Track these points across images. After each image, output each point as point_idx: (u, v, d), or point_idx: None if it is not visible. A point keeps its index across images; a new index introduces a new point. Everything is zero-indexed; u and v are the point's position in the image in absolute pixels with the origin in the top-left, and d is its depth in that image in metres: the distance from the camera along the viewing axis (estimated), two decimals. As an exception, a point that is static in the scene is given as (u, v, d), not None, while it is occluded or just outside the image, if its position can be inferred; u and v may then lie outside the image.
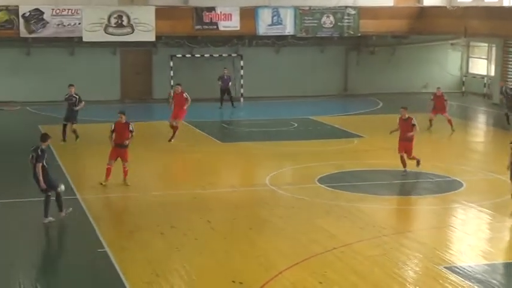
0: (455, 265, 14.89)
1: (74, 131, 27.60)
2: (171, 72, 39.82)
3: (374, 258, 15.18)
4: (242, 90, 40.85)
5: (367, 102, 40.01)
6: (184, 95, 28.82)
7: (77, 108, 27.73)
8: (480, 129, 33.98)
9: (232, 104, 37.92)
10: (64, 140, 27.54)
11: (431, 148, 27.51)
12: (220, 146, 28.05)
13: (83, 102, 27.98)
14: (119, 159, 21.61)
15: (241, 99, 40.72)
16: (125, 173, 21.58)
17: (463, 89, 43.36)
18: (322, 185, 21.36)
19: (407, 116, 22.76)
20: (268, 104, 39.50)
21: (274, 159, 25.38)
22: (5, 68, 38.22)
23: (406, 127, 22.56)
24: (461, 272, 14.46)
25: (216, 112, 36.48)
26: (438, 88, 32.42)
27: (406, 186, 21.89)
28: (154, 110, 38.73)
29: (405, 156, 22.46)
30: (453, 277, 14.18)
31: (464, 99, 41.59)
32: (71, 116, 27.86)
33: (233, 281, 13.88)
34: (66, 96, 28.25)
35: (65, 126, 27.62)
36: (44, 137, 18.46)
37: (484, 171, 23.55)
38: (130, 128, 21.88)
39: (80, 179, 21.99)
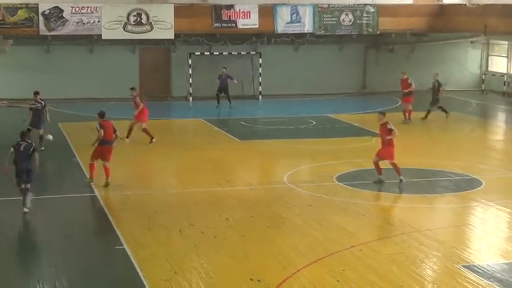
0: (474, 264, 14.81)
1: (41, 137, 25.34)
2: (190, 70, 39.89)
3: (392, 256, 15.13)
4: (260, 88, 40.85)
5: (385, 100, 39.89)
6: (136, 99, 28.05)
7: (34, 107, 25.92)
8: (500, 127, 33.79)
9: (230, 103, 37.29)
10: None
11: (450, 146, 27.40)
12: (238, 144, 28.05)
13: (46, 108, 26.30)
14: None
15: (260, 97, 40.73)
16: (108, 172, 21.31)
17: (483, 87, 43.16)
18: (340, 183, 21.32)
19: (384, 120, 22.04)
20: (286, 102, 39.48)
21: (292, 157, 25.36)
22: (24, 66, 38.43)
23: (384, 132, 21.95)
24: (480, 270, 14.38)
25: (234, 110, 36.49)
26: (403, 72, 33.63)
27: (425, 184, 21.79)
28: (172, 107, 38.81)
29: (388, 162, 21.48)
30: (472, 276, 14.10)
31: (484, 97, 41.41)
32: (38, 122, 25.82)
33: (251, 279, 13.87)
34: (32, 103, 26.27)
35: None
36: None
37: (503, 169, 23.43)
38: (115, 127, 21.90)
39: (98, 176, 22.03)
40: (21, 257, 15.25)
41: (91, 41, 39.53)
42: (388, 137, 21.64)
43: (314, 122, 32.43)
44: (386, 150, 21.69)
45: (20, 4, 37.54)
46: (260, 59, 40.91)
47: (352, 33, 41.42)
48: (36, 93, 26.44)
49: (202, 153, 26.37)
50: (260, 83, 40.85)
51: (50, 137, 22.60)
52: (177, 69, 40.82)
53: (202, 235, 16.50)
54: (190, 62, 39.94)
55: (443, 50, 43.48)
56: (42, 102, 26.35)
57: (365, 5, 41.03)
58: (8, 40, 37.88)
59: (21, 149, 18.44)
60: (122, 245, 15.72)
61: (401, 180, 21.23)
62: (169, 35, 39.10)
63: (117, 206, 18.91)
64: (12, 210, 18.56)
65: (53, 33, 38.04)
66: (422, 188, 21.16)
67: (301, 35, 41.41)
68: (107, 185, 20.96)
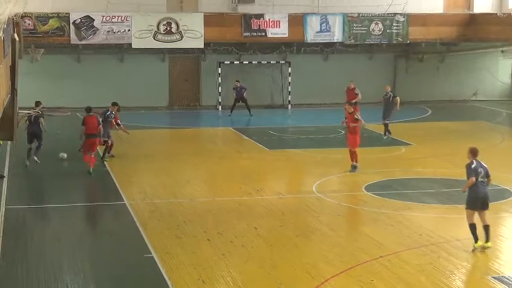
0: (503, 275, 14.68)
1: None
2: (219, 79, 40.00)
3: (421, 267, 15.04)
4: (290, 97, 40.87)
5: (415, 109, 39.74)
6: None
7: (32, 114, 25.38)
8: (531, 137, 33.50)
9: (249, 112, 37.59)
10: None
11: (480, 156, 27.17)
12: (267, 153, 28.06)
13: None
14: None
15: (289, 106, 40.74)
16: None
17: (514, 96, 42.90)
18: (370, 193, 21.24)
19: (351, 110, 24.36)
20: (315, 111, 39.47)
21: (321, 166, 25.31)
22: (55, 74, 38.75)
23: (351, 120, 24.14)
24: (510, 282, 14.25)
25: (263, 119, 36.51)
26: (351, 81, 34.22)
27: (455, 194, 21.62)
28: (202, 116, 38.90)
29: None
30: (502, 287, 13.99)
31: (515, 107, 41.12)
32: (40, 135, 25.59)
33: (279, 288, 13.86)
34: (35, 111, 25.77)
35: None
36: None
37: (534, 180, 23.21)
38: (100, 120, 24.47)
39: (128, 185, 22.15)
40: (50, 265, 15.34)
41: (121, 50, 39.79)
42: (353, 125, 23.92)
43: (343, 132, 32.33)
44: (350, 137, 24.10)
45: (52, 13, 37.88)
46: (289, 68, 40.94)
47: (382, 42, 41.33)
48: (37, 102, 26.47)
49: (231, 162, 26.39)
50: (289, 92, 40.88)
51: (65, 155, 25.12)
52: (206, 78, 40.96)
53: (231, 244, 16.51)
54: (219, 71, 40.05)
55: (473, 60, 43.25)
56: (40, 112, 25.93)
57: (395, 14, 40.93)
58: (40, 49, 38.23)
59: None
60: (151, 254, 15.76)
61: (354, 167, 23.69)
62: (199, 44, 39.24)
63: (146, 215, 18.98)
64: (41, 218, 18.72)
65: (83, 42, 38.33)
66: (452, 198, 21.01)
67: (330, 44, 41.39)
68: (89, 173, 23.24)
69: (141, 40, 38.56)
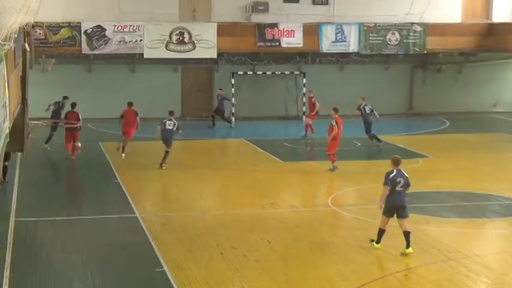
0: (524, 292, 14.59)
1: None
2: (233, 89, 40.01)
3: (439, 283, 14.96)
4: (304, 109, 40.84)
5: (433, 121, 39.65)
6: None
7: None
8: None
9: (230, 123, 38.19)
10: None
11: (500, 169, 27.10)
12: (281, 165, 28.04)
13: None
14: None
15: (304, 117, 40.73)
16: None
17: (534, 108, 42.75)
18: (386, 207, 21.15)
19: (334, 116, 26.98)
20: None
21: (336, 179, 25.27)
22: (66, 85, 38.76)
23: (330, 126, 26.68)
24: (530, 299, 14.17)
25: (277, 131, 36.50)
26: (309, 91, 35.54)
27: (473, 208, 21.56)
28: (215, 127, 38.89)
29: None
30: (522, 304, 13.90)
31: (535, 119, 40.96)
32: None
33: (293, 304, 13.82)
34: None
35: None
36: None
37: (555, 194, 23.09)
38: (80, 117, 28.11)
39: (139, 197, 22.17)
40: (60, 278, 15.35)
41: (133, 60, 39.93)
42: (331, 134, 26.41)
43: (359, 144, 32.31)
44: (329, 142, 26.42)
45: (63, 23, 38.06)
46: (304, 79, 40.93)
47: (399, 52, 41.31)
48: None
49: (245, 174, 26.38)
50: (304, 103, 40.86)
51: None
52: (220, 88, 40.99)
53: (244, 258, 16.48)
54: (233, 81, 40.08)
55: (492, 70, 43.15)
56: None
57: (412, 23, 40.91)
58: (50, 59, 38.39)
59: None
60: (162, 268, 15.75)
61: (333, 168, 26.02)
62: (212, 54, 39.33)
63: (158, 228, 18.97)
64: (51, 230, 18.75)
65: (95, 52, 38.49)
66: (471, 212, 20.94)
67: (346, 55, 41.40)
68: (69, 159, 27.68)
69: (153, 50, 38.68)
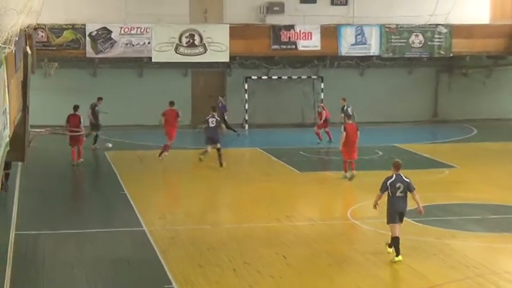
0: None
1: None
2: (246, 95, 40.08)
3: (466, 301, 14.93)
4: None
5: (459, 129, 39.58)
6: None
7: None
8: None
9: (236, 131, 38.26)
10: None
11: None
12: (298, 176, 28.04)
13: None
14: None
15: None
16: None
17: None
18: (409, 219, 21.09)
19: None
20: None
21: (356, 190, 25.25)
22: (70, 90, 38.84)
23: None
24: None
25: (293, 139, 36.53)
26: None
27: (503, 221, 21.49)
28: (227, 135, 38.87)
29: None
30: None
31: None
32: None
33: (310, 323, 13.81)
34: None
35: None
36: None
37: None
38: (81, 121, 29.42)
39: (147, 209, 22.22)
40: (64, 295, 15.43)
41: (140, 64, 40.04)
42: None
43: (380, 153, 32.28)
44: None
45: (66, 25, 38.20)
46: (322, 84, 40.96)
47: (423, 55, 41.26)
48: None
49: (259, 185, 26.39)
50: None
51: (110, 145, 30.74)
52: (232, 94, 41.08)
53: (258, 274, 16.48)
54: (246, 86, 40.14)
55: (523, 74, 43.06)
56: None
57: (437, 25, 40.87)
58: (53, 63, 38.52)
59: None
60: (171, 284, 15.77)
61: (344, 177, 26.57)
62: (224, 57, 39.39)
63: (167, 242, 19.01)
64: (53, 244, 18.82)
65: (100, 55, 38.61)
66: (500, 226, 20.88)
67: (366, 58, 41.39)
68: (77, 165, 28.63)
69: (162, 53, 38.78)
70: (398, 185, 17.36)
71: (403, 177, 17.55)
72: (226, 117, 37.13)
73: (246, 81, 40.25)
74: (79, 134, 28.38)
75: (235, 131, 37.97)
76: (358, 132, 27.20)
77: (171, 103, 31.37)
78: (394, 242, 17.34)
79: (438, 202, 23.12)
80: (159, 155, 30.17)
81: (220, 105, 38.07)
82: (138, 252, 18.31)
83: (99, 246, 18.89)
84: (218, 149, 28.59)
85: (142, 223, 20.71)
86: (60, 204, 23.73)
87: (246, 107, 40.06)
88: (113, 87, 39.79)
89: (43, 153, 30.33)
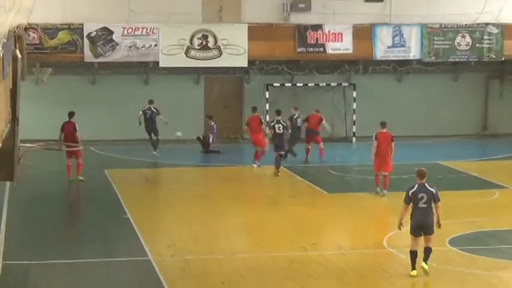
0: None
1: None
2: (267, 105, 40.07)
3: None
4: (354, 128, 40.82)
5: (512, 144, 39.49)
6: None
7: None
8: None
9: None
10: None
11: None
12: (326, 198, 28.02)
13: None
14: None
15: (353, 139, 40.69)
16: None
17: None
18: (455, 248, 21.09)
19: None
20: (387, 145, 39.31)
21: (394, 214, 25.06)
22: (65, 99, 38.80)
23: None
24: None
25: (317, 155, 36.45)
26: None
27: None
28: (245, 151, 38.91)
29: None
30: None
31: None
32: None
33: None
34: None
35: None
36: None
37: None
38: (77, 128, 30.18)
39: (153, 236, 22.24)
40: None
41: (146, 69, 40.14)
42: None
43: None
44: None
45: (62, 24, 38.29)
46: (354, 92, 40.94)
47: (470, 59, 41.19)
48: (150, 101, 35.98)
49: (282, 208, 26.39)
50: (354, 121, 40.84)
51: (179, 133, 35.21)
52: (250, 103, 40.97)
53: (280, 311, 16.49)
54: (267, 95, 40.16)
55: None
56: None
57: (486, 24, 40.79)
58: (46, 68, 38.59)
59: None
60: (181, 322, 15.79)
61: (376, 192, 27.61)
62: (242, 62, 39.44)
63: (176, 274, 19.03)
64: (47, 276, 18.88)
65: (100, 59, 38.73)
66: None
67: (405, 62, 41.35)
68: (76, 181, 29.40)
69: (171, 57, 38.87)
70: (421, 195, 18.43)
71: (428, 187, 18.62)
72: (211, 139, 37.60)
73: (267, 89, 40.26)
74: (77, 149, 28.47)
75: (218, 151, 37.73)
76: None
77: (254, 109, 34.46)
78: (411, 256, 18.54)
79: (488, 228, 23.03)
80: (255, 161, 33.14)
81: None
82: (143, 285, 18.34)
83: (97, 279, 18.92)
84: (280, 155, 31.26)
85: (148, 252, 20.73)
86: (54, 230, 23.80)
87: (267, 118, 40.04)
88: (115, 96, 39.86)
89: (35, 172, 30.44)
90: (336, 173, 32.59)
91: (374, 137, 27.74)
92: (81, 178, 29.70)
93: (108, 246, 21.82)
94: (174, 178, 30.39)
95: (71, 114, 30.76)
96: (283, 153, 31.83)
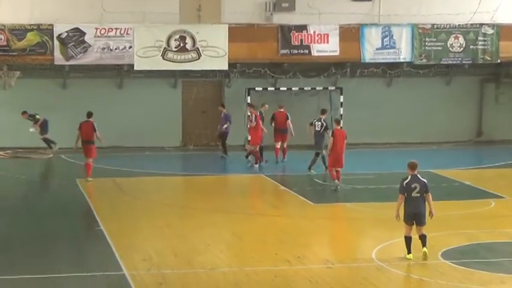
0: None
1: None
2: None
3: None
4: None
5: (508, 151, 39.59)
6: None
7: None
8: None
9: (225, 153, 38.72)
10: None
11: None
12: (311, 209, 28.05)
13: None
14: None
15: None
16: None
17: None
18: (448, 261, 21.14)
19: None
20: (375, 153, 39.42)
21: (383, 226, 25.22)
22: (34, 105, 38.84)
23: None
24: None
25: (306, 163, 36.49)
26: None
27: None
28: (226, 159, 38.93)
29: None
30: None
31: None
32: None
33: None
34: None
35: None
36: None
37: None
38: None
39: (128, 249, 22.21)
40: None
41: (120, 72, 40.13)
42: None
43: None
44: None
45: (30, 25, 38.23)
46: (341, 97, 41.00)
47: (464, 62, 41.33)
48: None
49: (265, 220, 26.40)
50: (341, 127, 40.87)
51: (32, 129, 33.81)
52: (231, 109, 41.05)
53: (264, 329, 16.49)
54: (249, 99, 40.17)
55: None
56: None
57: (481, 24, 40.94)
58: (14, 72, 38.51)
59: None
60: None
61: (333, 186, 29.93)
62: (222, 64, 39.48)
63: (152, 289, 19.03)
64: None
65: (71, 62, 38.69)
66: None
67: (395, 65, 41.47)
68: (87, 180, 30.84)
69: (146, 60, 38.87)
70: (414, 185, 20.71)
71: (419, 178, 20.90)
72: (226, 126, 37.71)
73: (249, 94, 40.27)
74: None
75: (225, 154, 37.98)
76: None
77: (251, 106, 36.98)
78: (406, 241, 20.71)
79: (483, 240, 23.09)
80: (256, 163, 35.06)
81: (222, 115, 38.21)
82: (118, 302, 18.31)
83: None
84: (317, 154, 33.59)
85: (122, 266, 20.70)
86: (22, 244, 23.71)
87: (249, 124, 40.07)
88: (87, 101, 39.60)
89: (1, 181, 30.35)
90: (322, 182, 32.63)
91: (331, 133, 30.32)
92: (90, 178, 31.55)
93: (80, 259, 21.77)
94: (151, 187, 30.36)
95: (90, 114, 32.33)
96: (318, 152, 33.66)
